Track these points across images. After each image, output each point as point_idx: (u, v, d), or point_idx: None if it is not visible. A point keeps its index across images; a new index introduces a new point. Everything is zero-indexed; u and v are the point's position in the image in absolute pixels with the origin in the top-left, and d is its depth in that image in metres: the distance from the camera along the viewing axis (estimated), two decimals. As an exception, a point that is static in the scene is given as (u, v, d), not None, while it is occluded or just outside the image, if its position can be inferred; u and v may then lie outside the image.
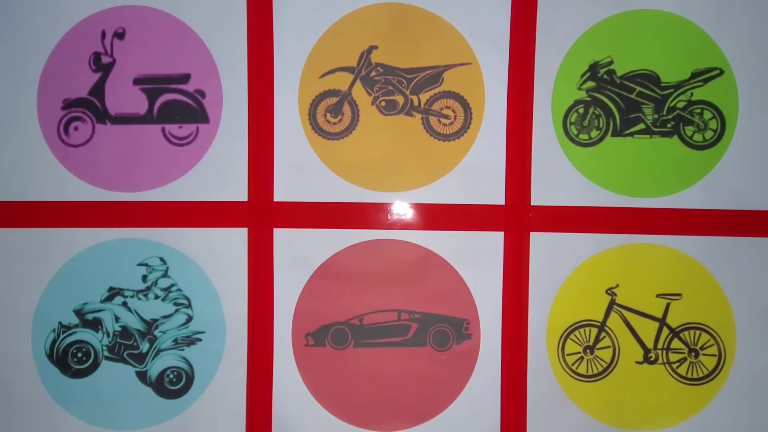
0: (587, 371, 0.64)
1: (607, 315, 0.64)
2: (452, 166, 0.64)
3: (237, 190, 0.64)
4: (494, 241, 0.64)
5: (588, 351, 0.64)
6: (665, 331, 0.64)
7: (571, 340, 0.64)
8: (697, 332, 0.64)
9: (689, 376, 0.64)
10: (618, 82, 0.64)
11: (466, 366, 0.64)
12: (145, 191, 0.64)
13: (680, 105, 0.64)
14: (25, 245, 0.64)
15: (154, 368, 0.64)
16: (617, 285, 0.64)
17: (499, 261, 0.64)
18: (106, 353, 0.64)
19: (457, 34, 0.64)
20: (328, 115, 0.64)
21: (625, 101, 0.64)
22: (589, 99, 0.64)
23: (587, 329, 0.64)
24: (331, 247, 0.64)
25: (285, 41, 0.64)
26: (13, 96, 0.64)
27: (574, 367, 0.64)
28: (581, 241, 0.64)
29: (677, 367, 0.64)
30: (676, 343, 0.64)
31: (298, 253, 0.64)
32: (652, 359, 0.64)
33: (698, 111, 0.64)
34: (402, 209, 0.64)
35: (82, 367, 0.64)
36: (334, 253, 0.64)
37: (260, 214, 0.64)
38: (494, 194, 0.64)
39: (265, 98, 0.64)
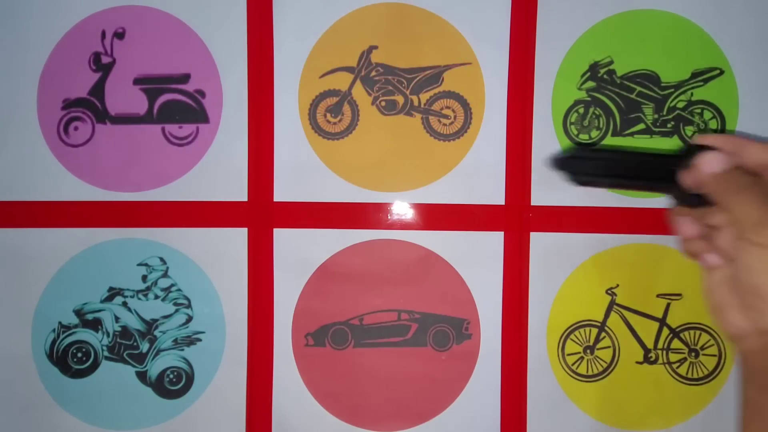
0: (587, 371, 0.64)
1: (607, 315, 0.64)
2: (452, 166, 0.64)
3: (237, 190, 0.64)
4: (494, 241, 0.64)
5: (588, 351, 0.64)
6: (665, 331, 0.64)
7: (571, 340, 0.64)
8: (697, 332, 0.64)
9: (689, 376, 0.64)
10: (618, 82, 0.64)
11: (466, 366, 0.64)
12: (145, 191, 0.64)
13: (680, 105, 0.64)
14: (25, 245, 0.64)
15: (154, 368, 0.64)
16: (617, 285, 0.64)
17: (499, 261, 0.64)
18: (106, 353, 0.64)
19: (457, 34, 0.64)
20: (328, 115, 0.64)
21: (625, 101, 0.64)
22: (589, 99, 0.64)
23: (587, 329, 0.64)
24: (331, 247, 0.64)
25: (285, 41, 0.64)
26: (13, 96, 0.64)
27: (574, 367, 0.64)
28: (581, 241, 0.64)
29: (677, 367, 0.64)
30: (676, 343, 0.64)
31: (298, 253, 0.64)
32: (652, 359, 0.64)
33: (698, 111, 0.64)
34: (402, 209, 0.64)
35: (82, 367, 0.64)
36: (334, 253, 0.64)
37: (260, 214, 0.64)
38: (494, 194, 0.64)
39: (265, 98, 0.64)
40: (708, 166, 0.46)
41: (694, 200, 0.47)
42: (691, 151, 0.46)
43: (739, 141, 0.47)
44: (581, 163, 0.49)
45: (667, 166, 0.47)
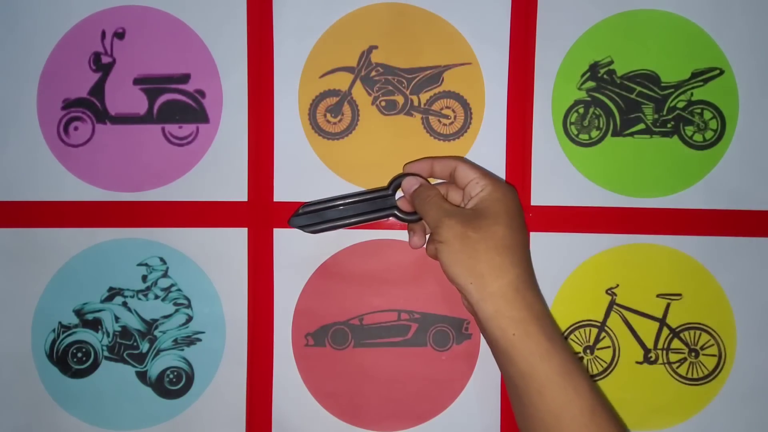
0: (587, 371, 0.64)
1: (607, 315, 0.64)
2: (452, 166, 0.64)
3: (237, 190, 0.64)
4: (494, 241, 0.64)
5: (588, 351, 0.64)
6: (665, 331, 0.64)
7: (571, 340, 0.64)
8: (697, 332, 0.64)
9: (689, 376, 0.64)
10: (618, 82, 0.64)
11: (466, 366, 0.64)
12: (145, 191, 0.64)
13: (680, 105, 0.64)
14: (25, 245, 0.64)
15: (154, 368, 0.64)
16: (617, 285, 0.64)
17: (499, 261, 0.64)
18: (106, 353, 0.64)
19: (457, 34, 0.64)
20: (328, 115, 0.64)
21: (625, 101, 0.64)
22: (589, 99, 0.64)
23: (587, 329, 0.64)
24: (331, 247, 0.64)
25: (285, 41, 0.64)
26: (13, 96, 0.64)
27: (574, 367, 0.64)
28: (581, 241, 0.64)
29: (677, 368, 0.64)
30: (676, 343, 0.64)
31: (298, 253, 0.64)
32: (652, 359, 0.64)
33: (698, 111, 0.64)
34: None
35: (82, 367, 0.64)
36: (334, 253, 0.64)
37: (260, 214, 0.64)
38: (494, 194, 0.64)
39: (265, 98, 0.64)
40: (406, 188, 0.58)
41: (412, 217, 0.59)
42: (396, 180, 0.59)
43: (429, 162, 0.59)
44: (308, 217, 0.60)
45: (383, 198, 0.60)
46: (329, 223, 0.60)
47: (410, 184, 0.58)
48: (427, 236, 0.59)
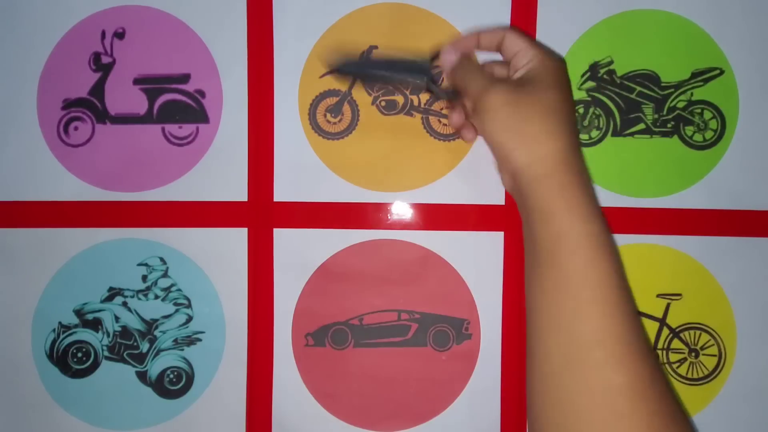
0: (587, 371, 0.64)
1: (607, 315, 0.64)
2: (452, 166, 0.64)
3: (237, 190, 0.64)
4: (494, 241, 0.64)
5: (588, 351, 0.64)
6: (665, 332, 0.64)
7: (571, 340, 0.64)
8: (698, 332, 0.64)
9: (689, 376, 0.64)
10: (618, 82, 0.64)
11: (466, 366, 0.64)
12: (145, 191, 0.64)
13: (680, 105, 0.64)
14: (25, 245, 0.64)
15: (154, 368, 0.64)
16: (617, 285, 0.64)
17: (499, 261, 0.64)
18: (106, 353, 0.64)
19: (457, 34, 0.64)
20: (328, 115, 0.64)
21: (625, 101, 0.64)
22: (589, 99, 0.64)
23: (587, 329, 0.64)
24: (331, 247, 0.64)
25: (285, 41, 0.64)
26: (13, 96, 0.64)
27: (574, 367, 0.64)
28: (581, 241, 0.64)
29: (677, 368, 0.64)
30: (676, 344, 0.64)
31: (298, 253, 0.64)
32: (652, 359, 0.64)
33: (698, 111, 0.64)
34: (402, 209, 0.64)
35: (82, 367, 0.64)
36: (334, 253, 0.64)
37: (260, 214, 0.64)
38: (494, 194, 0.64)
39: (265, 98, 0.64)
40: (445, 62, 0.56)
41: (452, 94, 0.58)
42: (436, 56, 0.58)
43: (474, 36, 0.57)
44: (344, 63, 0.61)
45: (420, 66, 0.58)
46: (361, 72, 0.61)
47: (449, 56, 0.55)
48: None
